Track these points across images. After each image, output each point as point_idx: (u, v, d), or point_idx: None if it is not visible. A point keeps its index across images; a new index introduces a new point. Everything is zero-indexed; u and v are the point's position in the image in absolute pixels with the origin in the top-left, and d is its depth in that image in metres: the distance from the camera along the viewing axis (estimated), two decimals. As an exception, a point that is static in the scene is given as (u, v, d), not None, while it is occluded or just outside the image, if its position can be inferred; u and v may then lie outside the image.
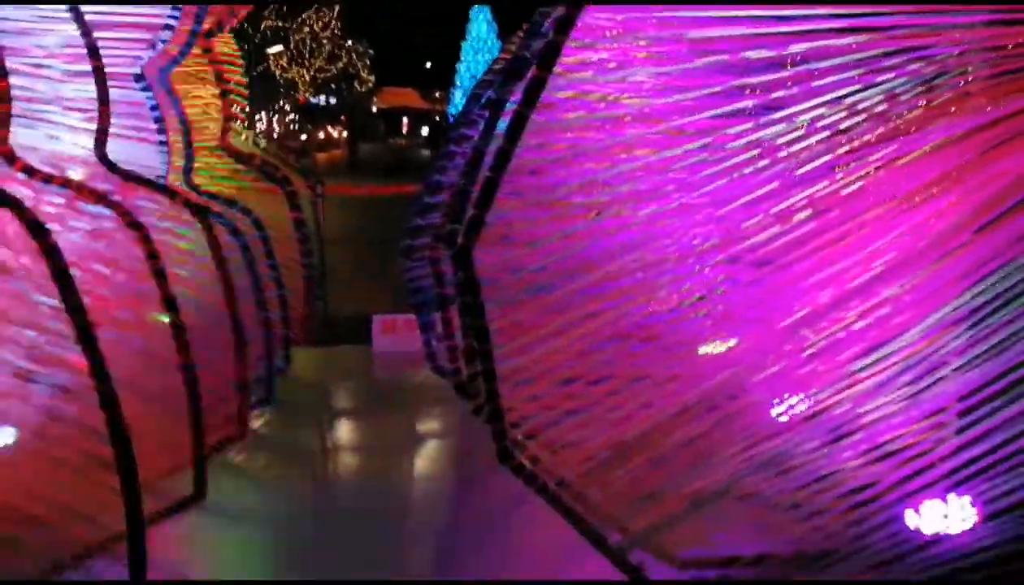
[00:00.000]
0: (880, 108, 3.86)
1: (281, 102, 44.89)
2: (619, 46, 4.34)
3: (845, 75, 3.77)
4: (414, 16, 54.43)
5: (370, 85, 54.16)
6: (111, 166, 4.55)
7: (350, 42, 50.62)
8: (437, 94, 72.02)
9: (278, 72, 44.61)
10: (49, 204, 3.77)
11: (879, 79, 3.76)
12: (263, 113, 40.79)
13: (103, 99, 4.50)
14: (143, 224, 4.06)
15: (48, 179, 3.77)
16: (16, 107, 4.14)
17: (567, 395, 4.20)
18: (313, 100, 49.91)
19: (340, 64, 47.21)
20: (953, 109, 3.83)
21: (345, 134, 50.49)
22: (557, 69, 3.86)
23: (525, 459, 3.79)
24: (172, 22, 5.34)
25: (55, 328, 3.42)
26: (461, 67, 61.36)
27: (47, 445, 4.02)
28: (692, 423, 3.85)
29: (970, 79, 3.84)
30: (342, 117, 52.71)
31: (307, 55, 45.03)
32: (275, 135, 40.84)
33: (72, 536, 3.94)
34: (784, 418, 4.11)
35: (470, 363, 4.26)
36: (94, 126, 4.73)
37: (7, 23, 4.20)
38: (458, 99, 59.72)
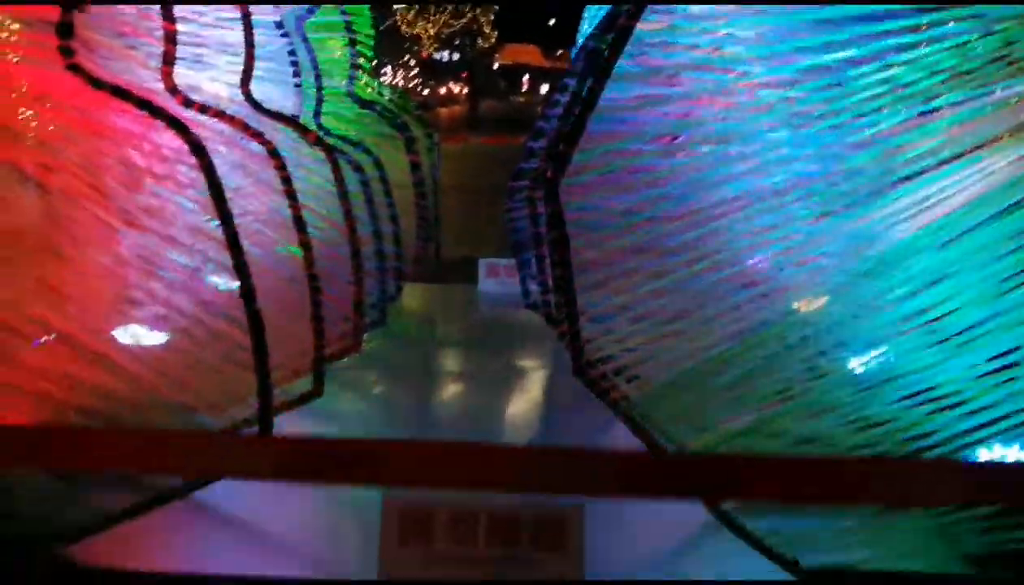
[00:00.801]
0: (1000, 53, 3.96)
1: (406, 57, 46.01)
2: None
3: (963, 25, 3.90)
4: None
5: (492, 42, 54.56)
6: (254, 103, 5.20)
7: (475, -3, 51.13)
8: (559, 52, 71.30)
9: (404, 27, 45.74)
10: (203, 131, 4.41)
11: (998, 28, 3.88)
12: (388, 67, 41.97)
13: (250, 43, 5.15)
14: (281, 155, 4.68)
15: (203, 109, 4.43)
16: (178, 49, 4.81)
17: (640, 329, 4.60)
18: (436, 56, 50.88)
19: (464, 20, 47.92)
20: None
21: (466, 90, 51.27)
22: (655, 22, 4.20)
23: (598, 377, 4.22)
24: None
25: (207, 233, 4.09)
26: (583, 26, 60.38)
27: (194, 344, 4.73)
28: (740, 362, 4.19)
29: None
30: (463, 73, 53.48)
31: (432, 10, 45.92)
32: (398, 88, 41.99)
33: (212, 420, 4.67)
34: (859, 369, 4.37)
35: (556, 293, 4.69)
36: (240, 68, 5.40)
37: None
38: (580, 57, 58.91)
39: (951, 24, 4.07)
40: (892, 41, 4.12)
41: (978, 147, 3.82)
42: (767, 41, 4.55)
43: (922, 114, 3.96)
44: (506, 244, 8.74)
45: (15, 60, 4.04)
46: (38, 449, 1.94)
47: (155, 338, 4.77)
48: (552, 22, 72.64)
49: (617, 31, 3.81)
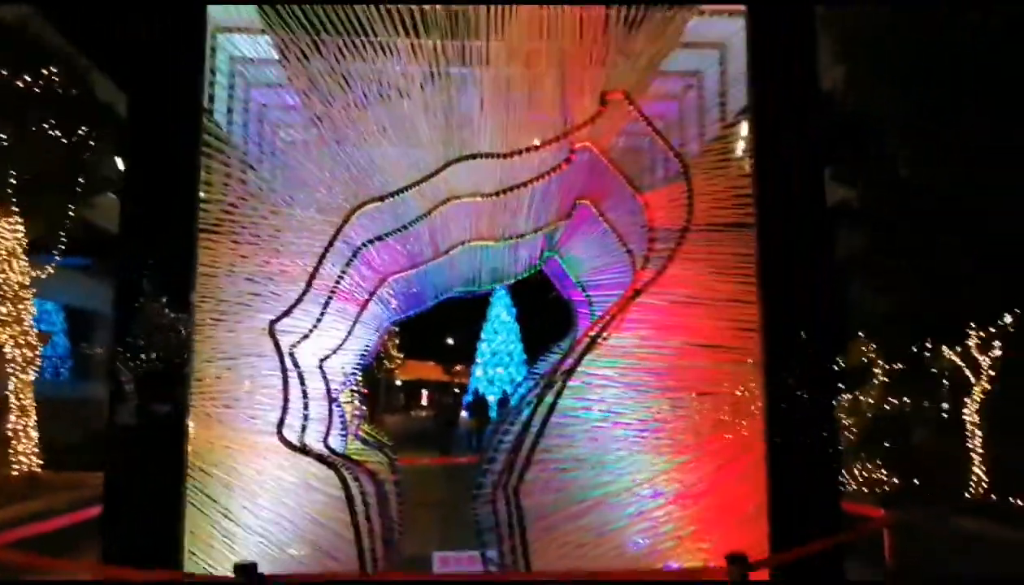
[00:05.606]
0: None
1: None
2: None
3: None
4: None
5: (398, 362, 59.32)
6: (331, 450, 8.45)
7: (382, 323, 56.42)
8: (458, 368, 76.48)
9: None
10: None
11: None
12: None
13: (332, 400, 8.57)
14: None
15: (317, 456, 7.71)
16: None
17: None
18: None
19: (373, 346, 52.73)
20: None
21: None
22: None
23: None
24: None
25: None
26: (481, 345, 66.79)
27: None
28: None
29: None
30: (365, 391, 57.13)
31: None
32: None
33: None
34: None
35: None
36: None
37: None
38: (478, 374, 64.49)
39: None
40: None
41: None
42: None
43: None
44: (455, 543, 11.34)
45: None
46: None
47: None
48: (451, 341, 78.62)
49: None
